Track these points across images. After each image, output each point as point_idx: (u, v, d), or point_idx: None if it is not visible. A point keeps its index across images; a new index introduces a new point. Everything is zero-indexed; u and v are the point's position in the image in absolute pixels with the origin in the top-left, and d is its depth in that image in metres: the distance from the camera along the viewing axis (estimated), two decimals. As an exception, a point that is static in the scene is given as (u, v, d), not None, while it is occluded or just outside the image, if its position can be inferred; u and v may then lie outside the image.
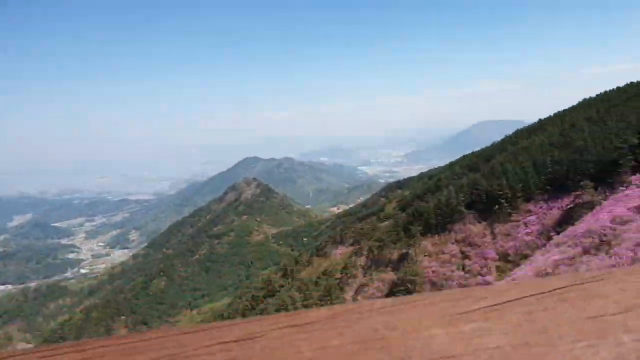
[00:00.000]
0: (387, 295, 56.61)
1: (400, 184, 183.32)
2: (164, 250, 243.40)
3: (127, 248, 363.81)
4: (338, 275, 68.56)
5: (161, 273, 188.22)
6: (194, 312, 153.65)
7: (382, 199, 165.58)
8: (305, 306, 65.93)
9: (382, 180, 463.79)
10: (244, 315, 79.84)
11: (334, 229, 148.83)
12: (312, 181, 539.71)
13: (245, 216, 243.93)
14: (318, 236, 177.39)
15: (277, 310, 69.05)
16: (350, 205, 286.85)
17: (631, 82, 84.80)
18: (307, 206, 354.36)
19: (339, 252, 79.55)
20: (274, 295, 78.93)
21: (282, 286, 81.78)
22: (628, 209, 41.28)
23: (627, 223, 39.15)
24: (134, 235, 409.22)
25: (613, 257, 34.58)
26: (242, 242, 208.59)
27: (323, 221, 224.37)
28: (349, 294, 62.30)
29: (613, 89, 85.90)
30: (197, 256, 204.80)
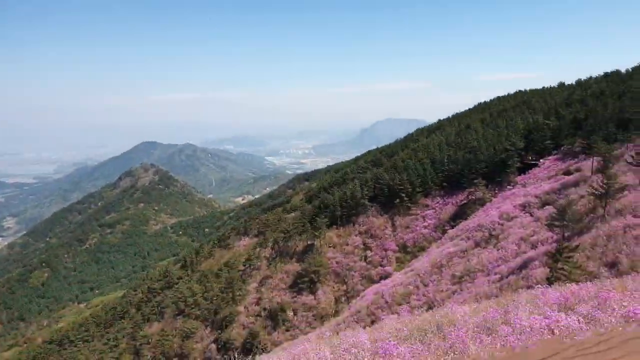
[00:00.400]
0: (291, 287, 56.63)
1: (307, 176, 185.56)
2: (47, 239, 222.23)
3: (1, 237, 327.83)
4: (241, 267, 67.24)
5: (43, 264, 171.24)
6: (82, 305, 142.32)
7: (289, 190, 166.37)
8: (205, 299, 63.82)
9: (289, 172, 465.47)
10: (138, 309, 75.33)
11: (238, 219, 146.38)
12: (216, 170, 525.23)
13: (142, 204, 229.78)
14: (221, 227, 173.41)
15: (175, 303, 66.10)
16: (256, 196, 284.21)
17: (519, 90, 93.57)
18: (209, 196, 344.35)
19: (243, 244, 78.06)
20: (171, 287, 75.40)
21: (181, 278, 78.43)
22: (514, 206, 45.31)
23: (512, 219, 42.93)
24: (10, 223, 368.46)
25: (500, 250, 37.68)
26: (137, 232, 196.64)
27: (226, 211, 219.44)
28: (252, 286, 61.35)
29: (504, 95, 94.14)
30: (86, 246, 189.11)
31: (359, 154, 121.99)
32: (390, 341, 12.48)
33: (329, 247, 60.83)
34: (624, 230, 28.72)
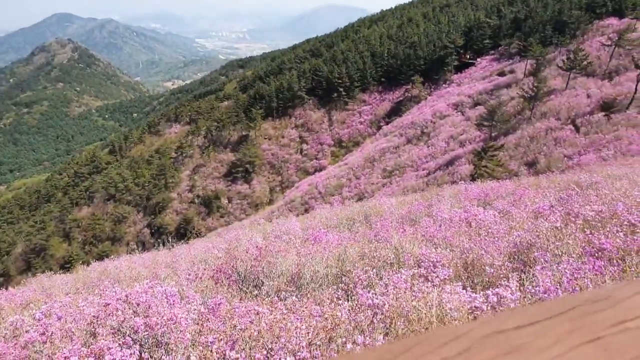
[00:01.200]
0: (226, 176, 56.88)
1: (241, 63, 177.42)
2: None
3: None
4: (173, 155, 65.93)
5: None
6: (2, 187, 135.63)
7: (222, 77, 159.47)
8: (137, 185, 62.81)
9: (222, 57, 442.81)
10: (65, 193, 73.04)
11: (168, 105, 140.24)
12: (142, 50, 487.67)
13: (61, 84, 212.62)
14: (150, 112, 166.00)
15: (105, 188, 64.60)
16: (187, 82, 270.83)
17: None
18: (136, 78, 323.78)
19: (174, 131, 75.75)
20: (100, 173, 73.13)
21: (110, 163, 75.96)
22: (447, 105, 46.67)
23: (445, 117, 44.45)
24: None
25: (430, 147, 39.42)
26: (58, 114, 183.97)
27: (155, 96, 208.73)
28: (185, 174, 60.90)
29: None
30: (0, 126, 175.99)
31: (297, 42, 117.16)
32: (320, 229, 12.96)
33: (265, 138, 60.61)
34: (545, 133, 30.76)
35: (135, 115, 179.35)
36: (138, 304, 4.05)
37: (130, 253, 15.55)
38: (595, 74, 39.11)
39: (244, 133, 62.02)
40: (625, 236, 4.37)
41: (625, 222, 5.02)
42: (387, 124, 53.99)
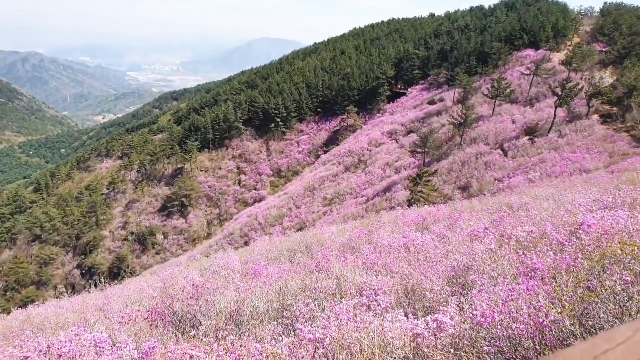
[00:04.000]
0: (161, 211, 54.80)
1: (176, 95, 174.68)
2: None
3: None
4: (105, 191, 62.86)
5: None
6: None
7: (156, 110, 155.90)
8: (66, 224, 59.05)
9: (155, 90, 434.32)
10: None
11: (99, 140, 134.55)
12: (70, 84, 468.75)
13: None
14: (80, 148, 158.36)
15: (29, 229, 60.16)
16: (118, 115, 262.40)
17: (392, 18, 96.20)
18: (64, 113, 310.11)
19: (105, 166, 72.49)
20: (24, 212, 68.04)
21: (35, 202, 70.97)
22: (382, 133, 48.21)
23: (380, 146, 45.81)
24: None
25: (368, 175, 40.30)
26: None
27: (85, 131, 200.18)
28: (117, 210, 58.08)
29: (378, 22, 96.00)
30: None
31: (232, 74, 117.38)
32: (260, 262, 12.67)
33: (201, 171, 59.33)
34: (476, 157, 32.42)
35: (63, 151, 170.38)
36: (60, 356, 3.71)
37: (58, 297, 14.46)
38: (518, 101, 42.10)
39: (179, 166, 60.42)
40: (555, 255, 4.57)
41: (555, 242, 5.26)
42: (325, 153, 54.76)
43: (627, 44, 46.50)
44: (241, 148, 61.63)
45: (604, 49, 51.26)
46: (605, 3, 69.66)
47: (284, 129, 62.73)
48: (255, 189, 54.56)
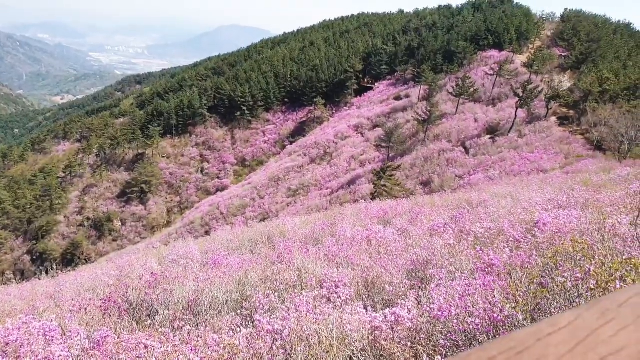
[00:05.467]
0: (119, 197, 53.26)
1: (139, 79, 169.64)
2: None
3: None
4: (61, 174, 60.49)
5: None
6: None
7: (118, 93, 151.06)
8: (17, 207, 56.53)
9: (118, 72, 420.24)
10: None
11: (56, 121, 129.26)
12: (27, 62, 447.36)
13: None
14: (35, 128, 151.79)
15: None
16: (78, 97, 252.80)
17: (362, 12, 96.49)
18: (19, 91, 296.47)
19: (62, 149, 69.74)
20: (-30, 196, 64.75)
21: (-17, 185, 67.70)
22: (349, 126, 48.39)
23: (346, 138, 45.96)
24: None
25: (333, 167, 40.42)
26: None
27: (41, 111, 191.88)
28: (73, 194, 56.04)
29: (348, 16, 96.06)
30: None
31: (199, 60, 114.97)
32: (220, 252, 12.49)
33: (163, 157, 57.99)
34: (438, 154, 33.07)
35: (16, 131, 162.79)
36: (7, 344, 3.55)
37: (5, 284, 13.85)
38: (481, 100, 43.16)
39: (140, 151, 58.79)
40: (511, 251, 4.69)
41: (511, 239, 5.41)
42: (291, 143, 54.54)
43: (585, 50, 48.40)
44: (205, 135, 60.55)
45: (563, 54, 53.16)
46: (566, 9, 72.05)
47: (250, 118, 62.05)
48: (218, 178, 53.82)
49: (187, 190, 52.67)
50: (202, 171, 55.54)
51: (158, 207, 50.67)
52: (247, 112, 61.67)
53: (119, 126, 66.98)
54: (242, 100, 61.84)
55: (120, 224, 49.48)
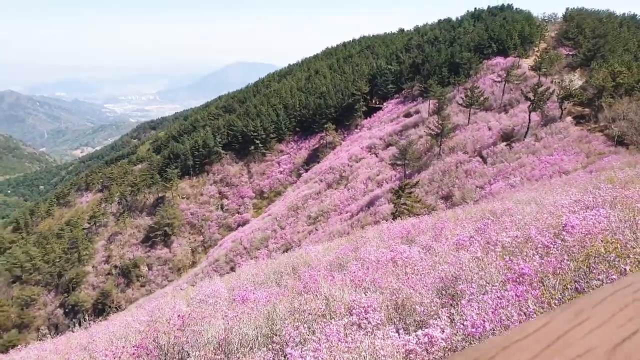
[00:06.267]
0: (144, 242, 53.81)
1: (153, 124, 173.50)
2: None
3: None
4: (86, 225, 61.67)
5: None
6: None
7: (134, 140, 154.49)
8: (47, 262, 57.53)
9: (133, 120, 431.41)
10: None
11: (78, 174, 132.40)
12: (47, 120, 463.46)
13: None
14: (59, 183, 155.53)
15: (9, 270, 58.40)
16: (97, 148, 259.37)
17: (363, 36, 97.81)
18: (42, 149, 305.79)
19: (86, 200, 71.25)
20: (3, 253, 66.13)
21: (15, 242, 69.08)
22: (361, 148, 48.46)
23: (360, 160, 45.98)
24: None
25: (350, 190, 40.30)
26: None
27: (63, 166, 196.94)
28: (99, 244, 56.92)
29: (349, 41, 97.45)
30: None
31: (209, 100, 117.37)
32: (247, 287, 12.43)
33: (182, 198, 58.73)
34: (456, 166, 32.71)
35: (42, 187, 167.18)
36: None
37: (41, 339, 13.95)
38: (492, 108, 42.77)
39: (160, 195, 59.70)
40: (541, 258, 4.54)
41: (540, 245, 5.25)
42: (306, 171, 54.74)
43: (592, 47, 47.96)
44: (222, 172, 61.27)
45: (570, 53, 52.78)
46: (567, 9, 71.97)
47: (264, 150, 62.69)
48: (238, 213, 54.11)
49: (209, 228, 53.01)
50: (222, 208, 55.98)
51: (182, 248, 51.03)
52: (260, 145, 62.37)
53: (138, 172, 68.34)
54: (255, 134, 62.64)
55: (146, 269, 49.87)
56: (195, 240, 52.34)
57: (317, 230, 35.71)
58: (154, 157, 72.25)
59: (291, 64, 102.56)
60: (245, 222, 50.50)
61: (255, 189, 57.16)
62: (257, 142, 62.31)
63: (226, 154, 63.87)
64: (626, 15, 67.79)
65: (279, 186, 56.31)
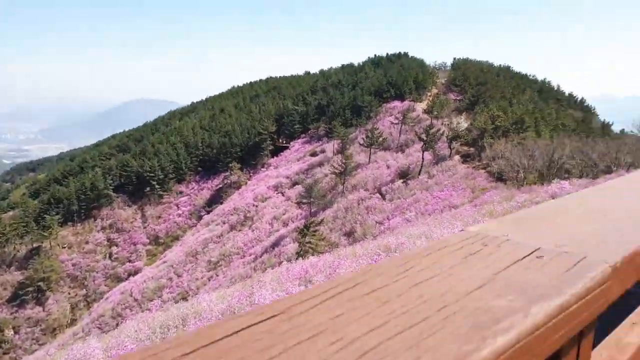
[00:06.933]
0: (11, 301, 47.32)
1: (32, 166, 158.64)
2: None
3: None
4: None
5: None
6: None
7: (7, 184, 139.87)
8: None
9: (7, 161, 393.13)
10: None
11: None
12: None
13: None
14: None
15: None
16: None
17: (270, 77, 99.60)
18: None
19: (-59, 254, 62.01)
20: None
21: None
22: (268, 187, 48.12)
23: (266, 200, 45.49)
24: None
25: (255, 231, 39.43)
26: None
27: None
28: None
29: (256, 81, 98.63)
30: None
31: (100, 139, 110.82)
32: (126, 345, 11.14)
33: (63, 247, 53.14)
34: (358, 203, 33.63)
35: None
36: None
37: None
38: (391, 147, 45.55)
39: (35, 245, 53.34)
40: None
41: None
42: (208, 213, 52.89)
43: (475, 93, 53.79)
44: (112, 217, 56.89)
45: (457, 98, 58.26)
46: (455, 58, 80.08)
47: (161, 192, 59.68)
48: (130, 261, 50.21)
49: (94, 280, 48.27)
50: (110, 257, 51.52)
51: (60, 305, 45.44)
52: (157, 186, 59.33)
53: (8, 220, 60.80)
54: (152, 174, 59.61)
55: (12, 332, 43.50)
56: (76, 295, 47.06)
57: (217, 275, 34.19)
58: (30, 203, 65.07)
59: (195, 101, 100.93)
60: (137, 271, 46.89)
61: (150, 234, 53.72)
62: (154, 183, 59.23)
63: (118, 197, 59.70)
64: (502, 66, 76.95)
65: (176, 230, 53.57)
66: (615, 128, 60.44)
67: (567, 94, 73.12)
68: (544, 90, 68.98)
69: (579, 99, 71.82)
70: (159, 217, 56.23)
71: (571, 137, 34.48)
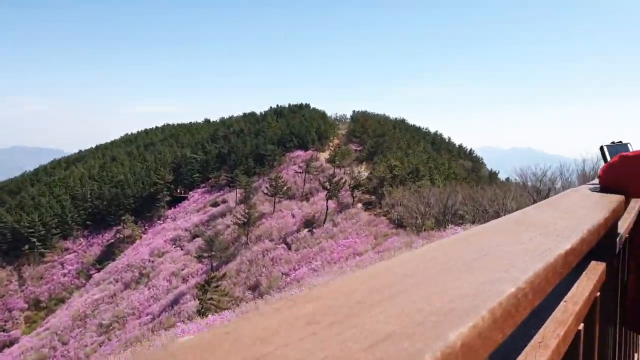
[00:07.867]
0: None
1: None
2: None
3: None
4: None
5: None
6: None
7: None
8: None
9: None
10: None
11: None
12: None
13: None
14: None
15: None
16: None
17: (167, 124, 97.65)
18: None
19: None
20: None
21: None
22: (165, 241, 46.42)
23: (164, 255, 43.80)
24: None
25: (152, 289, 37.62)
26: None
27: None
28: None
29: (152, 128, 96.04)
30: None
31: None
32: None
33: None
34: (262, 254, 33.71)
35: None
36: None
37: None
38: (295, 196, 46.57)
39: None
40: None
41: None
42: (98, 271, 49.45)
43: (374, 144, 57.55)
44: (-20, 281, 51.00)
45: (357, 148, 61.65)
46: (354, 111, 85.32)
47: (43, 250, 54.77)
48: (4, 331, 44.94)
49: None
50: (-23, 327, 45.86)
51: None
52: (38, 243, 54.42)
53: None
54: (31, 230, 54.70)
55: None
56: None
57: (110, 340, 31.89)
58: None
59: (83, 150, 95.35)
60: (13, 342, 42.00)
61: (28, 297, 48.68)
62: (34, 240, 54.30)
63: (-12, 257, 53.89)
64: (397, 119, 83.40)
65: (61, 292, 49.18)
66: (501, 176, 67.16)
67: (457, 145, 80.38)
68: (437, 142, 75.39)
69: (468, 150, 79.12)
70: (41, 277, 51.32)
71: (462, 185, 38.00)
